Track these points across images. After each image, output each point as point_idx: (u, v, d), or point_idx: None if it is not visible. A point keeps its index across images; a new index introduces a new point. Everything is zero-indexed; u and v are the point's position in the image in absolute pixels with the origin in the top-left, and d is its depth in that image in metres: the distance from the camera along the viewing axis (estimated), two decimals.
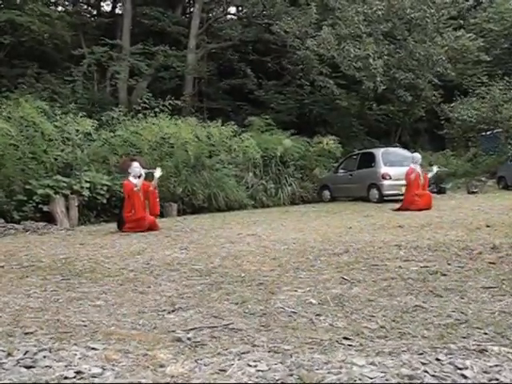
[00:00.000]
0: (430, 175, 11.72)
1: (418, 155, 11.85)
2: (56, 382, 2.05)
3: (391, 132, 23.68)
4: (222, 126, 14.94)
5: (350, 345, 2.41)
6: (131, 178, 8.27)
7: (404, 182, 11.56)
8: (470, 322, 2.72)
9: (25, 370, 2.18)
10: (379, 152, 15.18)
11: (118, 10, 25.37)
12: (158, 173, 8.58)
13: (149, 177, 8.69)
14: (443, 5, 19.37)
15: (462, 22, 21.91)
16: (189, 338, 2.56)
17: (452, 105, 21.52)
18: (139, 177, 8.26)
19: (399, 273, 4.03)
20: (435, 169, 12.27)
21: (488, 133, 21.03)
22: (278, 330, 2.68)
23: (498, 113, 20.22)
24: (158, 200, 8.64)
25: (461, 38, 20.21)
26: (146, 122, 13.27)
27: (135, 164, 8.33)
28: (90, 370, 2.14)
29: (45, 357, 2.32)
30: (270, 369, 2.13)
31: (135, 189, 8.08)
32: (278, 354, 2.30)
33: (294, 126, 18.91)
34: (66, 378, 2.08)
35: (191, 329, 2.73)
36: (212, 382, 2.03)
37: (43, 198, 9.96)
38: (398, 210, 10.84)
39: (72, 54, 19.99)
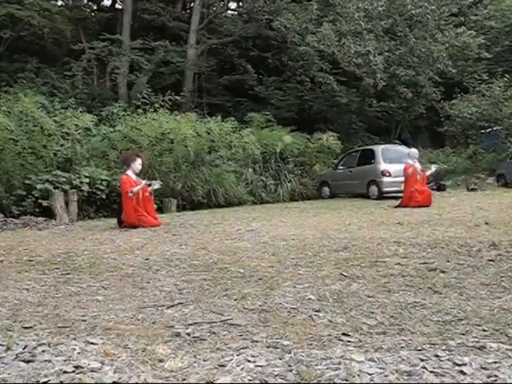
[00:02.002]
0: (428, 173, 11.72)
1: (414, 150, 11.79)
2: (55, 376, 2.05)
3: (391, 129, 23.68)
4: (222, 121, 14.94)
5: (348, 341, 2.42)
6: (130, 173, 8.16)
7: (403, 179, 11.55)
8: (469, 318, 2.73)
9: (24, 364, 2.18)
10: (379, 149, 15.18)
11: (118, 5, 25.34)
12: (156, 186, 8.32)
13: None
14: (444, 1, 19.36)
15: (462, 19, 21.90)
16: (188, 333, 2.57)
17: (452, 102, 21.51)
18: (138, 174, 8.16)
19: (398, 269, 4.03)
20: (433, 167, 12.27)
21: (488, 130, 21.02)
22: (277, 325, 2.69)
23: (499, 110, 20.22)
24: (153, 206, 8.46)
25: (461, 35, 20.17)
26: (145, 117, 13.27)
27: (139, 161, 8.23)
28: (88, 365, 2.14)
29: (44, 351, 2.32)
30: (268, 364, 2.14)
31: (130, 195, 7.83)
32: (277, 350, 2.31)
33: (294, 123, 18.90)
34: (65, 372, 2.08)
35: (190, 324, 2.73)
36: (211, 377, 2.03)
37: (42, 192, 9.97)
38: (398, 206, 10.84)
39: (72, 49, 19.97)
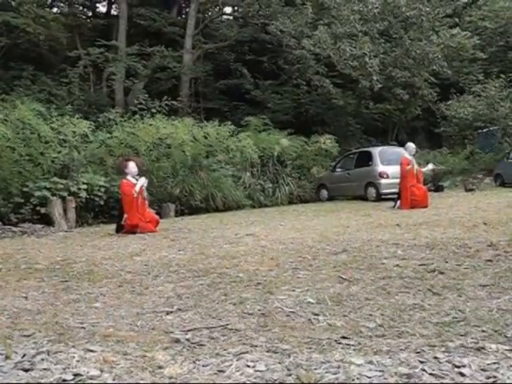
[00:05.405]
0: (424, 169, 11.68)
1: (411, 145, 11.56)
2: None
3: (388, 130, 23.71)
4: (219, 126, 14.95)
5: (348, 344, 2.42)
6: (129, 178, 8.20)
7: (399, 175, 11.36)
8: (468, 319, 2.73)
9: (23, 372, 2.18)
10: (376, 151, 15.20)
11: (113, 11, 25.35)
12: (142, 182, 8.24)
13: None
14: (438, 3, 19.41)
15: (457, 20, 21.94)
16: (187, 339, 2.56)
17: (448, 103, 21.55)
18: (138, 175, 8.21)
19: (397, 271, 4.03)
20: (431, 166, 12.26)
21: (484, 130, 21.08)
22: (276, 329, 2.69)
23: (494, 110, 20.27)
24: (147, 209, 8.52)
25: (456, 36, 20.22)
26: (142, 122, 13.27)
27: (131, 164, 8.27)
28: (88, 373, 2.14)
29: (43, 359, 2.32)
30: (268, 369, 2.14)
31: (135, 195, 7.98)
32: (277, 354, 2.31)
33: (291, 126, 18.93)
34: (64, 380, 2.08)
35: (189, 330, 2.73)
36: (210, 382, 2.03)
37: (40, 200, 9.95)
38: (401, 208, 10.68)
39: (68, 56, 19.97)
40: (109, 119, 13.54)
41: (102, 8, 26.43)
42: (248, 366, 2.17)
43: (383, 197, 13.84)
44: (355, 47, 18.35)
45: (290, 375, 2.06)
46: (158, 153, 12.97)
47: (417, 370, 2.07)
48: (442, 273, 3.91)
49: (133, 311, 3.17)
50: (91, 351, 2.42)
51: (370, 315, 2.88)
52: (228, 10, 27.10)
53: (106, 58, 19.71)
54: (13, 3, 19.54)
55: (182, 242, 6.55)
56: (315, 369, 2.11)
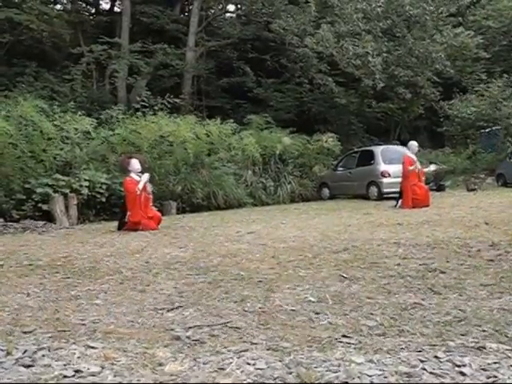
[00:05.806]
0: (426, 170, 11.64)
1: (414, 143, 11.47)
2: (55, 380, 2.06)
3: (390, 130, 23.66)
4: (221, 124, 14.94)
5: (348, 343, 2.42)
6: (133, 175, 8.23)
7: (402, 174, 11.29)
8: (469, 319, 2.73)
9: (24, 369, 2.18)
10: (378, 150, 15.18)
11: (116, 9, 25.32)
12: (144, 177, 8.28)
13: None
14: (442, 2, 19.36)
15: (460, 19, 21.90)
16: (188, 337, 2.57)
17: (451, 102, 21.50)
18: (141, 173, 8.22)
19: (398, 270, 4.03)
20: (433, 167, 12.21)
21: (487, 130, 21.02)
22: (276, 327, 2.69)
23: (497, 110, 20.21)
24: (151, 205, 8.55)
25: (460, 35, 20.16)
26: (145, 120, 13.27)
27: (134, 161, 8.30)
28: (88, 369, 2.15)
29: (44, 356, 2.32)
30: (268, 367, 2.14)
31: (138, 192, 8.00)
32: (277, 352, 2.31)
33: (293, 124, 18.89)
34: (65, 376, 2.09)
35: (190, 327, 2.73)
36: (211, 380, 2.03)
37: (42, 196, 9.97)
38: (402, 207, 10.63)
39: (71, 53, 19.96)
40: (111, 116, 13.54)
41: (105, 5, 26.41)
42: (248, 364, 2.17)
43: (385, 196, 13.82)
44: (358, 46, 18.32)
45: (290, 373, 2.06)
46: (160, 150, 12.97)
47: (417, 369, 2.07)
48: (443, 272, 3.91)
49: (134, 308, 3.18)
50: (92, 348, 2.42)
51: (371, 314, 2.88)
52: (231, 7, 27.08)
53: (108, 55, 19.70)
54: (16, 0, 19.54)
55: (183, 240, 6.56)
56: (315, 367, 2.11)
